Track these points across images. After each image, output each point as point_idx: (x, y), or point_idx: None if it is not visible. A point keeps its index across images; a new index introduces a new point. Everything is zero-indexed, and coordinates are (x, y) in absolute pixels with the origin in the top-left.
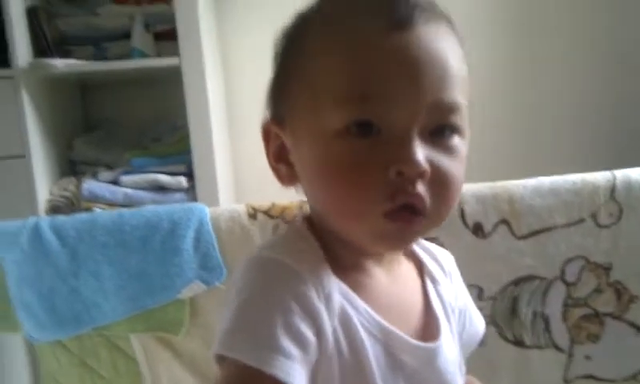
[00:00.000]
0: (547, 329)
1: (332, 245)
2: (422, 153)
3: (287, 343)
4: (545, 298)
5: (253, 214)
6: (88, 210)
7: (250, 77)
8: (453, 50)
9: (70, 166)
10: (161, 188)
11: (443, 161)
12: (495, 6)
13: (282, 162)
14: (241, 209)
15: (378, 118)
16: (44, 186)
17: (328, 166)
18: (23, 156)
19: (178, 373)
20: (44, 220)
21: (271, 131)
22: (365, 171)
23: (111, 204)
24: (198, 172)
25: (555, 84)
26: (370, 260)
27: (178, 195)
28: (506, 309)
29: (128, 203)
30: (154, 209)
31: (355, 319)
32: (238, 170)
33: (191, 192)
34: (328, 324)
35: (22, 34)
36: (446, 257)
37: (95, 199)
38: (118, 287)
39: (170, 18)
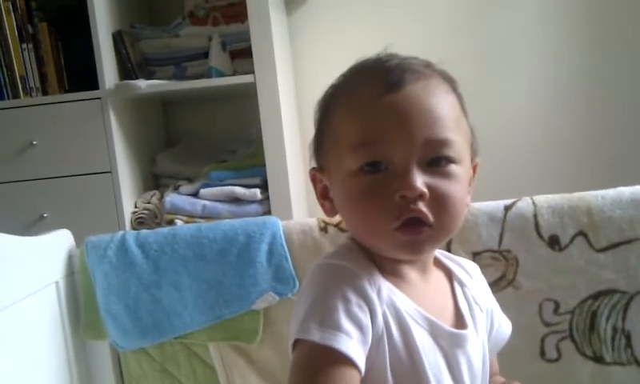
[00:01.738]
0: (629, 345)
1: (373, 256)
2: (420, 179)
3: (348, 325)
4: (626, 313)
5: (324, 228)
6: (170, 221)
7: (322, 91)
8: (442, 98)
9: (153, 180)
10: (237, 200)
11: (440, 183)
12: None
13: (326, 199)
14: (312, 222)
15: (383, 158)
16: (129, 199)
17: (350, 199)
18: (110, 171)
19: (252, 380)
20: (130, 234)
21: (317, 177)
22: (376, 200)
23: (191, 216)
24: (271, 184)
25: (635, 93)
26: (406, 266)
27: (252, 206)
28: (585, 323)
29: (207, 215)
30: (230, 223)
31: (401, 307)
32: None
33: (265, 203)
34: (379, 308)
35: (108, 57)
36: (471, 265)
37: (176, 211)
38: (196, 297)
39: (245, 37)
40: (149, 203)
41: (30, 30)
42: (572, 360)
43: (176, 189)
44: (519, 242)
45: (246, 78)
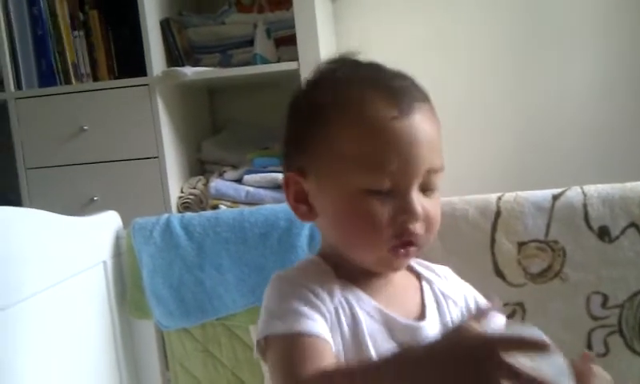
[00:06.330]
0: None
1: (343, 264)
2: (419, 204)
3: (307, 311)
4: None
5: None
6: (215, 206)
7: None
8: (436, 124)
9: (198, 166)
10: (279, 186)
11: (431, 207)
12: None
13: (302, 203)
14: None
15: (389, 183)
16: (175, 184)
17: (350, 214)
18: (157, 157)
19: None
20: (175, 217)
21: (294, 179)
22: (379, 220)
23: (235, 201)
24: None
25: None
26: (373, 274)
27: None
28: (635, 318)
29: (250, 200)
30: (272, 207)
31: (355, 304)
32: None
33: None
34: (330, 304)
35: (156, 44)
36: (441, 268)
37: (221, 197)
38: (238, 280)
39: (290, 24)
40: (194, 189)
41: (81, 17)
42: (621, 355)
43: (221, 175)
44: (567, 233)
45: (290, 65)
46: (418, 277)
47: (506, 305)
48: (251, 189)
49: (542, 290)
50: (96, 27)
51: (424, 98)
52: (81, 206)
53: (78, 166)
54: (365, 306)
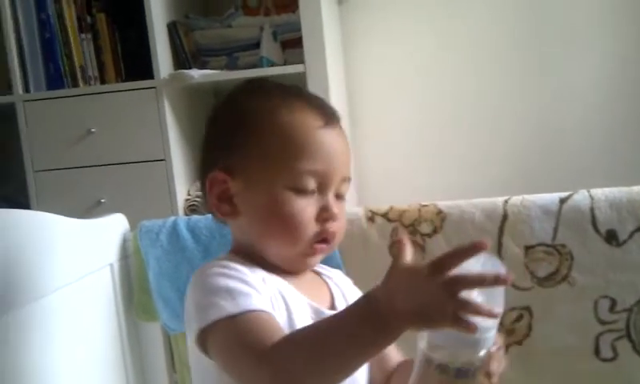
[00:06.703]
0: None
1: (257, 262)
2: (335, 207)
3: (245, 287)
4: None
5: (371, 218)
6: None
7: (372, 81)
8: (347, 142)
9: None
10: None
11: (341, 211)
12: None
13: (224, 202)
14: (360, 212)
15: (315, 183)
16: (182, 187)
17: (278, 212)
18: (164, 160)
19: None
20: (181, 219)
21: (219, 179)
22: (304, 219)
23: None
24: None
25: None
26: (285, 271)
27: None
28: None
29: None
30: None
31: (286, 295)
32: (359, 171)
33: None
34: (266, 290)
35: (163, 47)
36: (334, 271)
37: None
38: None
39: (296, 27)
40: (201, 191)
41: (89, 20)
42: (629, 360)
43: None
44: (574, 237)
45: (296, 68)
46: (318, 274)
47: (512, 309)
48: None
49: (549, 294)
50: (103, 30)
51: (340, 118)
52: (88, 208)
53: (85, 169)
54: (293, 296)
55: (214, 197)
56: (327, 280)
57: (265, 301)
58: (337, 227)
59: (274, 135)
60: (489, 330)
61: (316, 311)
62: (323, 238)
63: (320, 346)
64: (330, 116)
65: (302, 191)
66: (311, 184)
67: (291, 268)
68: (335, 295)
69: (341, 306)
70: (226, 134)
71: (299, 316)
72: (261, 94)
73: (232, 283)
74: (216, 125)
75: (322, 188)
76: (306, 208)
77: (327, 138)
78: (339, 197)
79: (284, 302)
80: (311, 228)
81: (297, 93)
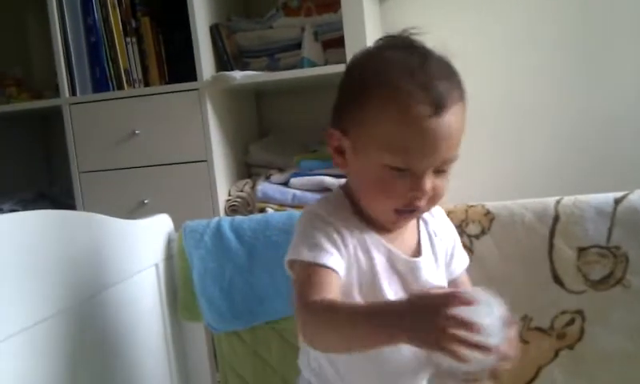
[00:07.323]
0: None
1: (358, 204)
2: (429, 184)
3: (327, 245)
4: None
5: None
6: (262, 210)
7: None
8: (462, 119)
9: (246, 169)
10: (326, 189)
11: (440, 183)
12: None
13: (338, 154)
14: None
15: (411, 166)
16: (223, 187)
17: (371, 180)
18: (205, 160)
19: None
20: (225, 220)
21: (337, 136)
22: (393, 191)
23: (281, 204)
24: None
25: None
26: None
27: None
28: None
29: (296, 204)
30: None
31: (368, 241)
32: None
33: None
34: (350, 240)
35: (206, 49)
36: (437, 209)
37: (267, 200)
38: (288, 284)
39: (338, 27)
40: (242, 191)
41: (134, 24)
42: None
43: (267, 178)
44: (630, 238)
45: (337, 68)
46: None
47: (564, 312)
48: (298, 192)
49: (602, 298)
50: (148, 34)
51: (460, 97)
52: (131, 209)
53: (129, 170)
54: (375, 243)
55: (332, 149)
56: (421, 224)
57: (337, 260)
58: (426, 200)
59: (379, 116)
60: (483, 361)
61: (392, 257)
62: (410, 210)
63: (333, 324)
64: (441, 105)
65: (394, 168)
66: (405, 164)
67: (381, 224)
68: (423, 242)
69: (426, 253)
70: (346, 97)
71: (379, 262)
72: (381, 68)
73: (319, 237)
74: (343, 83)
75: (416, 169)
76: (398, 182)
77: (431, 128)
78: (440, 172)
79: (367, 250)
80: (399, 200)
81: (416, 70)
